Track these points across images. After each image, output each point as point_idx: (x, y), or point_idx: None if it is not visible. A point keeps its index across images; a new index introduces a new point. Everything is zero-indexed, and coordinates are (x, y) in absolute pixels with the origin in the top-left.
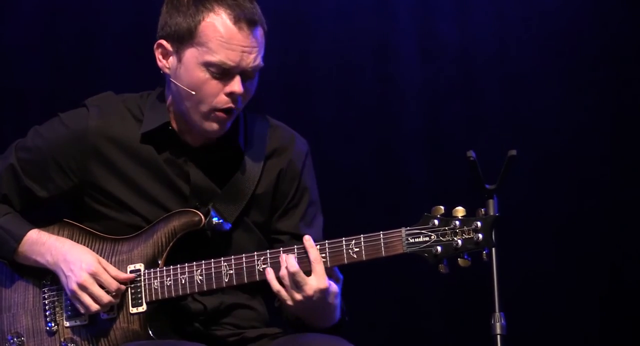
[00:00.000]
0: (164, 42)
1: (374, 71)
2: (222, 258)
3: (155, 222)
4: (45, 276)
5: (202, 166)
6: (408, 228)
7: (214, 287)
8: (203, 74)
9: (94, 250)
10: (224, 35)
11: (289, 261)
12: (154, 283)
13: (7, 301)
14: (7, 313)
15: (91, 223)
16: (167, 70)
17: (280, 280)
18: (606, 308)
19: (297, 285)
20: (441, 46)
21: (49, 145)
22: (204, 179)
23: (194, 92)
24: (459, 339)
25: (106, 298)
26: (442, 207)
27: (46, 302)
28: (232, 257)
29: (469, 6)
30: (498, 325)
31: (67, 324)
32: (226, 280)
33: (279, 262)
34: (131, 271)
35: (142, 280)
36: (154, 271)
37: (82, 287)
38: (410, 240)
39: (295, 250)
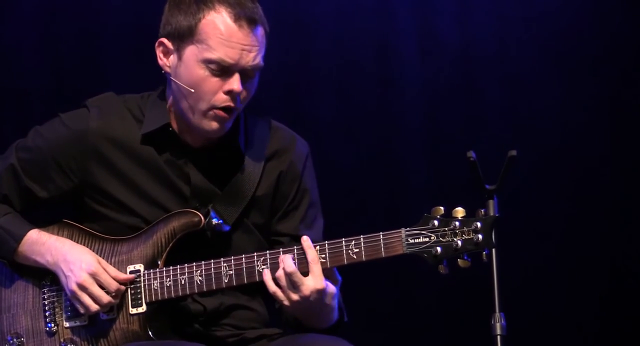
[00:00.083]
0: (165, 40)
1: (374, 71)
2: (221, 259)
3: (155, 223)
4: (45, 277)
5: (203, 167)
6: (408, 228)
7: (214, 288)
8: (202, 72)
9: (93, 251)
10: (223, 33)
11: (286, 261)
12: (153, 283)
13: (7, 302)
14: (7, 313)
15: (91, 223)
16: (167, 69)
17: (277, 281)
18: (606, 308)
19: (294, 286)
20: (441, 46)
21: (50, 145)
22: (204, 180)
23: (193, 90)
24: (459, 339)
25: (106, 298)
26: (441, 208)
27: (46, 302)
28: (232, 257)
29: (469, 6)
30: (498, 325)
31: (66, 324)
32: (226, 281)
33: (278, 263)
34: (131, 272)
35: (142, 280)
36: (153, 272)
37: (82, 287)
38: (410, 241)
39: (295, 251)
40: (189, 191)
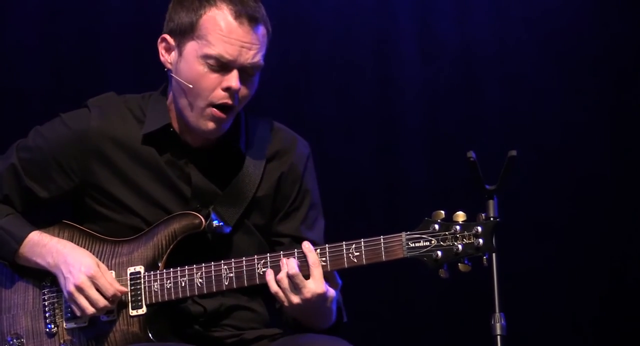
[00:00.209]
0: (167, 36)
1: (374, 71)
2: (222, 261)
3: (156, 224)
4: (46, 278)
5: (203, 168)
6: (408, 232)
7: (214, 290)
8: (202, 68)
9: (93, 252)
10: (223, 29)
11: (290, 264)
12: (154, 285)
13: (7, 302)
14: (7, 314)
15: (91, 224)
16: (169, 65)
17: (278, 283)
18: (606, 308)
19: (295, 288)
20: (441, 46)
21: (50, 145)
22: (205, 181)
23: (191, 86)
24: (459, 339)
25: (102, 302)
26: (442, 212)
27: (46, 304)
28: (233, 260)
29: (469, 6)
30: (498, 325)
31: (66, 326)
32: (226, 283)
33: (279, 266)
34: (131, 274)
35: (142, 282)
36: (154, 274)
37: (80, 289)
38: (411, 245)
39: (296, 254)
40: (189, 192)
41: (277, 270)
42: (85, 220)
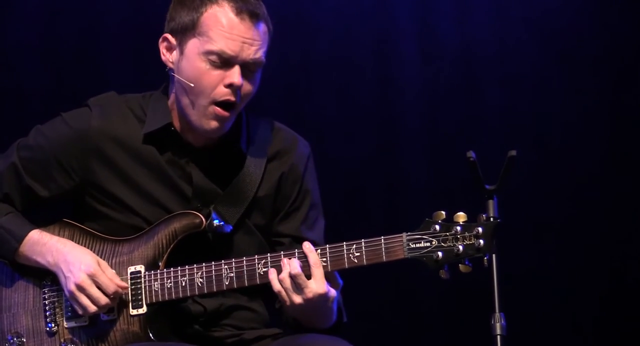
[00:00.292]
0: (168, 35)
1: (374, 71)
2: (222, 261)
3: (156, 224)
4: (46, 277)
5: (204, 167)
6: (409, 233)
7: (214, 290)
8: (203, 65)
9: (94, 251)
10: (225, 25)
11: (292, 264)
12: (154, 285)
13: (8, 301)
14: (7, 312)
15: (92, 223)
16: (170, 64)
17: (280, 282)
18: (606, 308)
19: (298, 288)
20: (441, 46)
21: (51, 144)
22: (206, 180)
23: (193, 84)
24: (459, 339)
25: (103, 300)
26: (443, 212)
27: (46, 302)
28: (233, 259)
29: (469, 6)
30: (498, 325)
31: (67, 325)
32: (227, 283)
33: (280, 266)
34: (131, 273)
35: (143, 281)
36: (154, 273)
37: (80, 288)
38: (412, 245)
39: (296, 254)
40: (190, 191)
41: (278, 270)
42: (85, 219)
